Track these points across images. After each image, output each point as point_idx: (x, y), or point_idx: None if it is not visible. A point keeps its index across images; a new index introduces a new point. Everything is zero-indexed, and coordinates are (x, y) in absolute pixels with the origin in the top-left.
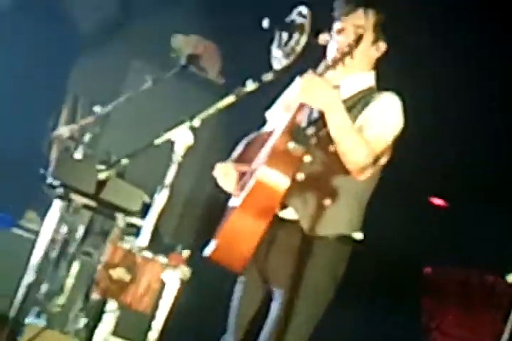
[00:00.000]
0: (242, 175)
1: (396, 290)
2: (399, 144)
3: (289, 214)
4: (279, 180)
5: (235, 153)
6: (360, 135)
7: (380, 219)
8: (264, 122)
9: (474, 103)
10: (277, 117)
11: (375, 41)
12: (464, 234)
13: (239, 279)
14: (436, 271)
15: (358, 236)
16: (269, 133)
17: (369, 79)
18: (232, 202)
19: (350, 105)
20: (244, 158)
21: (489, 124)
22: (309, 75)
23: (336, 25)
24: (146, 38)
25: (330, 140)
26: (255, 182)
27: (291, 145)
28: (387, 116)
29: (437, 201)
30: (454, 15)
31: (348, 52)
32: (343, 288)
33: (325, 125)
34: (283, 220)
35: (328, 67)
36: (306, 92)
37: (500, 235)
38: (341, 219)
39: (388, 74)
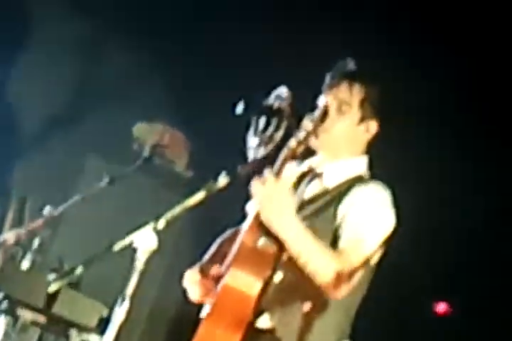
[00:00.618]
0: (215, 281)
1: None
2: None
3: (265, 322)
4: (249, 283)
5: (207, 255)
6: (324, 245)
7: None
8: (244, 216)
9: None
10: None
11: (362, 120)
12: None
13: None
14: None
15: None
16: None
17: (358, 166)
18: (204, 313)
19: (332, 197)
20: (216, 260)
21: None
22: (259, 181)
23: (319, 100)
24: (102, 128)
25: None
26: (222, 288)
27: (261, 241)
28: (369, 216)
29: (441, 307)
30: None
31: (311, 132)
32: None
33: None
34: (260, 331)
35: (284, 160)
36: (258, 200)
37: None
38: (326, 327)
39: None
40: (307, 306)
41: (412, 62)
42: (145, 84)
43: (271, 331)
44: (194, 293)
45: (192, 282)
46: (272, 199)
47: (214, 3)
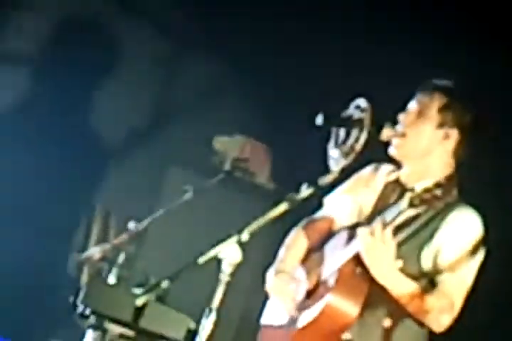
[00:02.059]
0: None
1: None
2: None
3: (346, 334)
4: (348, 307)
5: (288, 251)
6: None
7: None
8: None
9: None
10: (339, 206)
11: (441, 125)
12: None
13: None
14: None
15: None
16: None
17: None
18: (279, 320)
19: (427, 221)
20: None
21: None
22: (367, 230)
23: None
24: (183, 141)
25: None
26: (324, 307)
27: (359, 270)
28: (468, 251)
29: None
30: None
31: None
32: None
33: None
34: None
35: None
36: (363, 247)
37: None
38: None
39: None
40: (388, 322)
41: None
42: (226, 96)
43: None
44: (277, 299)
45: (277, 290)
46: (375, 251)
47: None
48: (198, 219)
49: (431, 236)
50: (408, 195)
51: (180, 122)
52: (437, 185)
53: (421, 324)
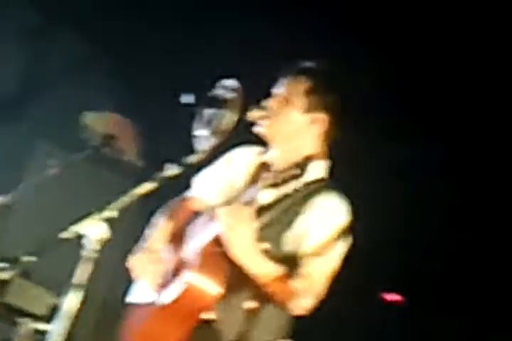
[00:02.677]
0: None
1: None
2: None
3: (209, 314)
4: (210, 289)
5: (152, 230)
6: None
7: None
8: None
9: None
10: (207, 187)
11: (308, 110)
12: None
13: None
14: None
15: None
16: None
17: (317, 170)
18: (144, 298)
19: (291, 204)
20: (168, 235)
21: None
22: (225, 210)
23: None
24: (50, 116)
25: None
26: (186, 286)
27: (219, 249)
28: (332, 235)
29: (391, 297)
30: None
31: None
32: None
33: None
34: (203, 321)
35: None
36: (222, 226)
37: None
38: (268, 325)
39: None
40: (251, 303)
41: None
42: (93, 72)
43: (213, 322)
44: (139, 276)
45: (138, 266)
46: (235, 230)
47: None
48: (65, 195)
49: (296, 219)
50: (265, 176)
51: (47, 97)
52: (294, 165)
53: (281, 306)
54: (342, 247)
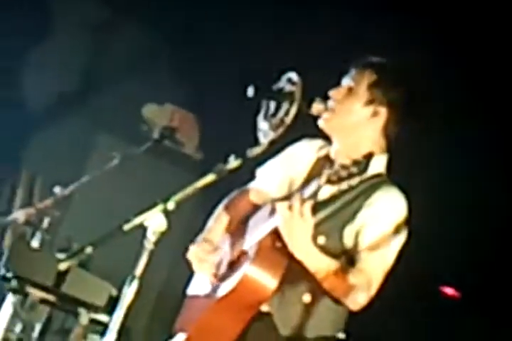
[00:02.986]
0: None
1: None
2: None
3: (265, 307)
4: (267, 282)
5: (212, 222)
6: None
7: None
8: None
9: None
10: (270, 179)
11: (370, 102)
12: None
13: None
14: None
15: (341, 336)
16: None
17: (377, 165)
18: (202, 290)
19: (351, 199)
20: (228, 227)
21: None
22: (285, 205)
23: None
24: (112, 108)
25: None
26: (242, 278)
27: (279, 244)
28: (391, 231)
29: (449, 291)
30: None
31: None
32: None
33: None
34: (260, 313)
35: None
36: (281, 221)
37: None
38: (324, 318)
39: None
40: (308, 297)
41: None
42: (157, 66)
43: (268, 315)
44: (198, 269)
45: (197, 259)
46: (293, 225)
47: None
48: (124, 187)
49: (354, 215)
50: (326, 172)
51: (110, 89)
52: (354, 163)
53: (337, 301)
54: (398, 243)
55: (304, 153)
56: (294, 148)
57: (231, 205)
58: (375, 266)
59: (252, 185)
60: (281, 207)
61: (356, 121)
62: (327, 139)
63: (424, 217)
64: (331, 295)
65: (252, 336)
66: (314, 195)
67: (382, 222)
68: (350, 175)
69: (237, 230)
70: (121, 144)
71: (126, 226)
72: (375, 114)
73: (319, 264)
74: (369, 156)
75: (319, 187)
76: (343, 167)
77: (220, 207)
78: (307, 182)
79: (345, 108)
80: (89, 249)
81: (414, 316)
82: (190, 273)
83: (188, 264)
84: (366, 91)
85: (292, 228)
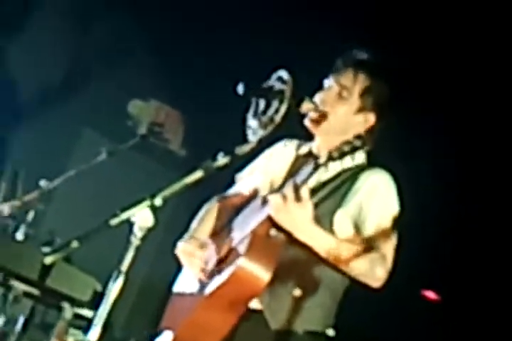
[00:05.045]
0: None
1: None
2: None
3: (254, 303)
4: (261, 274)
5: (196, 223)
6: (353, 242)
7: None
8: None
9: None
10: (250, 182)
11: (361, 110)
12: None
13: None
14: None
15: (330, 332)
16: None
17: (359, 154)
18: (190, 288)
19: (334, 186)
20: (212, 230)
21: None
22: (285, 200)
23: (324, 83)
24: (98, 103)
25: None
26: (233, 272)
27: (273, 232)
28: (388, 207)
29: (429, 294)
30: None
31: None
32: None
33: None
34: (249, 310)
35: (310, 174)
36: (279, 216)
37: None
38: (313, 313)
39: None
40: (297, 291)
41: None
42: (144, 61)
43: (259, 312)
44: (186, 264)
45: (186, 254)
46: (289, 212)
47: None
48: (110, 182)
49: (342, 199)
50: (325, 152)
51: (95, 85)
52: (357, 137)
53: (357, 282)
54: (394, 214)
55: (282, 153)
56: (273, 149)
57: (214, 209)
58: (384, 240)
59: (233, 189)
60: (274, 196)
61: (345, 126)
62: (309, 135)
63: (403, 220)
64: (349, 277)
65: (242, 333)
66: (306, 181)
67: (377, 192)
68: (354, 149)
69: (221, 234)
70: (106, 139)
71: (113, 221)
72: (365, 121)
73: (327, 244)
74: (371, 130)
75: (314, 170)
76: (346, 142)
77: (203, 210)
78: (287, 180)
79: (338, 115)
80: (75, 243)
81: (395, 320)
82: (175, 268)
83: (173, 259)
84: (358, 99)
85: (289, 213)
